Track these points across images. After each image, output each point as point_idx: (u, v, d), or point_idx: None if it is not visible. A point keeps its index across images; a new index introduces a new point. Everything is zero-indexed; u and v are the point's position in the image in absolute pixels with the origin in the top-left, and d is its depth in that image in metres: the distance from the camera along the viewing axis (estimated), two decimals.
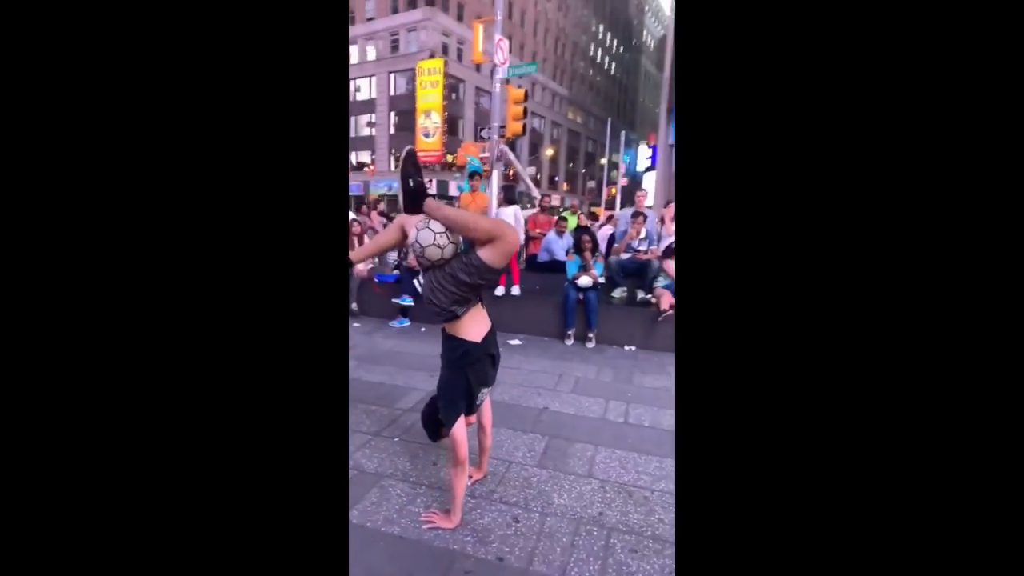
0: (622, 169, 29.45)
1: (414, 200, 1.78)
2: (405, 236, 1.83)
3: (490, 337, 1.87)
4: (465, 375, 1.81)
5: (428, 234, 1.71)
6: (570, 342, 4.77)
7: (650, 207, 8.28)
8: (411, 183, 1.78)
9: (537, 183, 33.74)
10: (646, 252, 5.14)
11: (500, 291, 5.13)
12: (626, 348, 4.69)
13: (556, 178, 40.03)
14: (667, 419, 3.05)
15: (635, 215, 5.25)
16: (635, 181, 30.75)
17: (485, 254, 1.65)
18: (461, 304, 1.74)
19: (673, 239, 4.97)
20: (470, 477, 2.18)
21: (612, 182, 34.42)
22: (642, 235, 5.18)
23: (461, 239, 1.79)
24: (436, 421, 1.93)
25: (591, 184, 45.08)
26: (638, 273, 5.07)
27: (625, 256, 5.20)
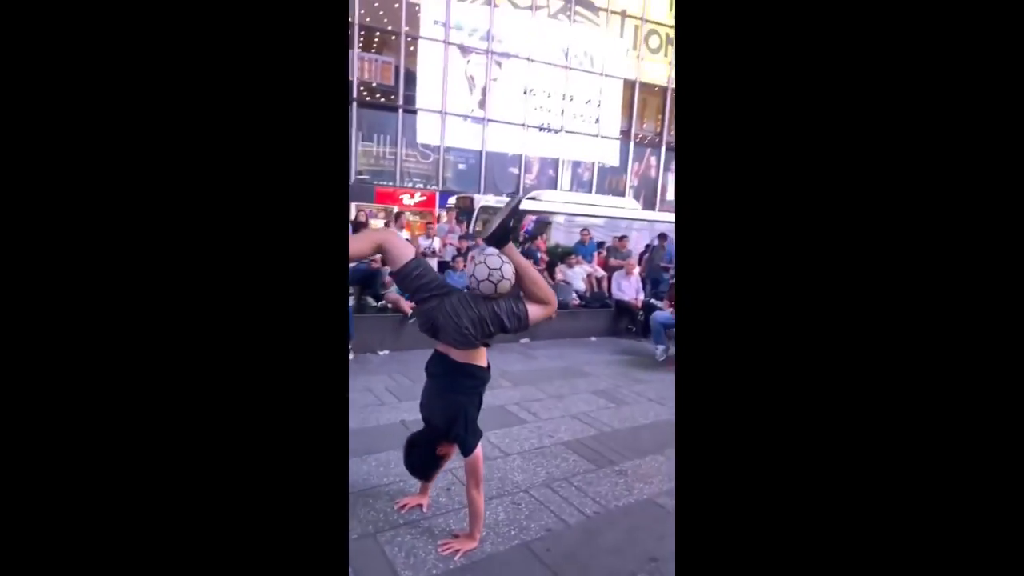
0: None
1: (502, 239, 1.94)
2: (376, 251, 1.93)
3: None
4: (480, 398, 2.00)
5: (484, 269, 1.85)
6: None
7: None
8: (511, 223, 1.97)
9: None
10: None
11: None
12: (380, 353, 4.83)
13: None
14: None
15: None
16: None
17: (534, 311, 1.89)
18: (490, 338, 1.91)
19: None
20: (419, 506, 2.21)
21: None
22: None
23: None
24: (432, 459, 2.04)
25: None
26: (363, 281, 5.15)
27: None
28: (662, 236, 7.72)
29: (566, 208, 9.88)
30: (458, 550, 1.91)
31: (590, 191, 15.99)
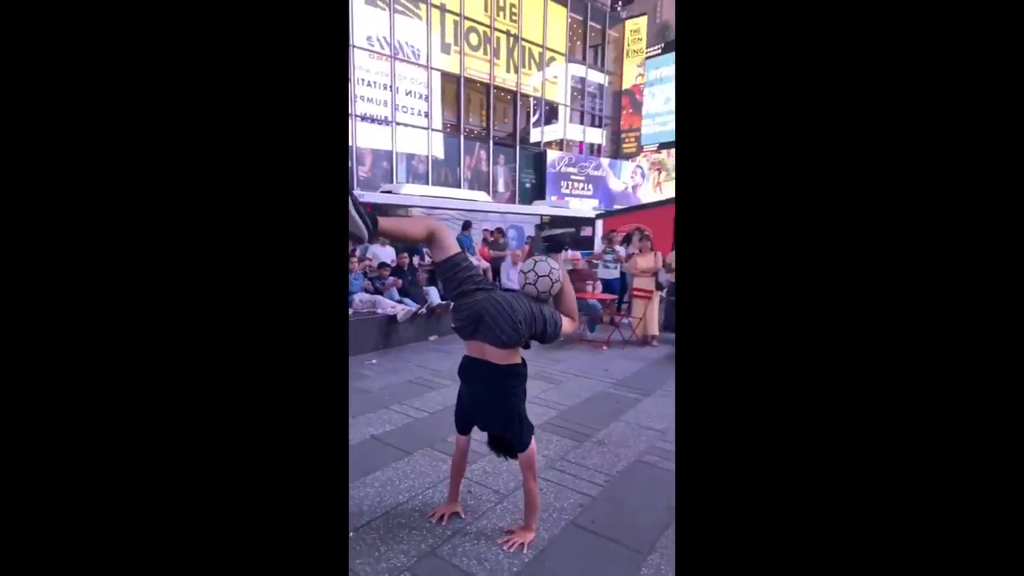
0: None
1: (558, 247, 2.26)
2: (429, 239, 1.86)
3: None
4: (526, 391, 2.01)
5: (545, 267, 1.92)
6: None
7: None
8: (567, 236, 2.11)
9: None
10: None
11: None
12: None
13: None
14: None
15: None
16: None
17: (566, 324, 2.01)
18: (532, 339, 1.94)
19: None
20: (456, 513, 2.16)
21: None
22: None
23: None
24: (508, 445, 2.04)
25: None
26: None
27: None
28: (538, 227, 8.23)
29: (423, 201, 9.78)
30: (522, 543, 1.94)
31: (427, 183, 15.94)
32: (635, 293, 5.33)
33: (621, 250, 6.16)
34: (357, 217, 1.48)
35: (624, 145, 21.87)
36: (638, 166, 21.06)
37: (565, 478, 2.51)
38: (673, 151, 19.17)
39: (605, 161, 20.40)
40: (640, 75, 20.83)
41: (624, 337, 5.33)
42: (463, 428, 2.08)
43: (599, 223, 9.34)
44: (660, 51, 20.59)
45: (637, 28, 21.25)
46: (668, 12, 22.23)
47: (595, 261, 6.52)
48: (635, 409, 3.52)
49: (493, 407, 1.95)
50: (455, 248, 1.85)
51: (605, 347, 5.14)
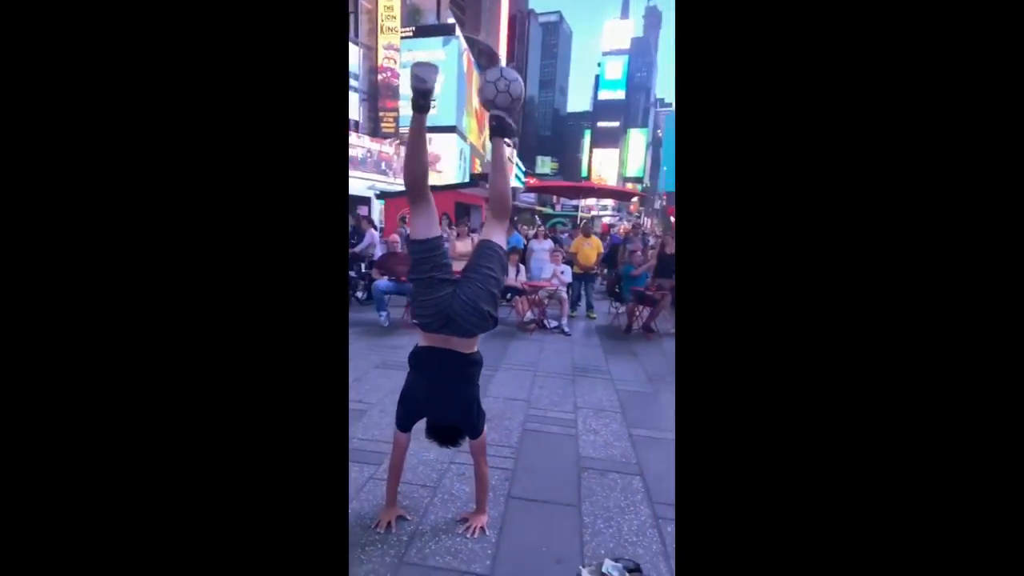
0: None
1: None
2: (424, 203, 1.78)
3: None
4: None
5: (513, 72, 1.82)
6: None
7: None
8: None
9: None
10: None
11: None
12: None
13: None
14: None
15: None
16: None
17: (501, 234, 1.96)
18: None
19: None
20: (401, 517, 2.03)
21: None
22: None
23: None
24: (456, 430, 1.97)
25: None
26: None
27: None
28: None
29: None
30: (481, 527, 1.96)
31: None
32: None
33: None
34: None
35: (383, 124, 21.43)
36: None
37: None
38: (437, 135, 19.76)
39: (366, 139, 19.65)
40: (388, 58, 20.45)
41: None
42: (407, 424, 1.94)
43: (377, 203, 9.08)
44: (412, 34, 20.67)
45: (391, 5, 20.85)
46: None
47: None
48: (494, 383, 3.74)
49: (453, 396, 1.89)
50: (437, 231, 1.72)
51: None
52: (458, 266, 5.70)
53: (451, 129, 20.50)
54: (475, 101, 21.08)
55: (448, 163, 20.09)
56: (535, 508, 2.15)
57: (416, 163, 1.73)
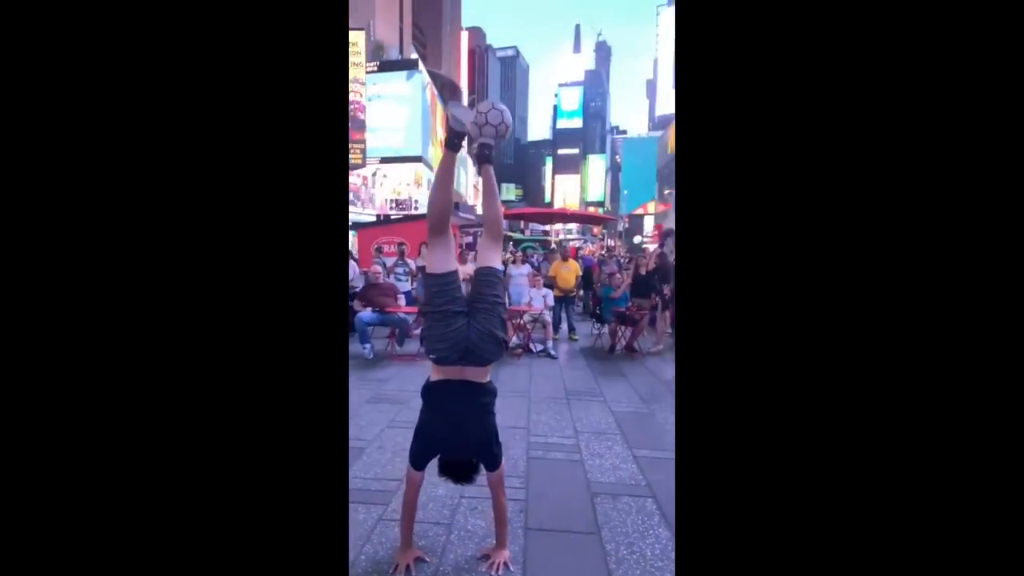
0: None
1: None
2: (443, 235, 1.79)
3: None
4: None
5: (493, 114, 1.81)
6: None
7: None
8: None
9: None
10: None
11: None
12: None
13: None
14: None
15: None
16: None
17: (496, 255, 1.95)
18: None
19: None
20: (419, 559, 1.92)
21: None
22: None
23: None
24: (472, 464, 1.87)
25: None
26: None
27: None
28: None
29: None
30: (504, 562, 1.89)
31: None
32: None
33: (412, 263, 6.15)
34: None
35: (351, 156, 21.35)
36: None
37: (487, 491, 2.49)
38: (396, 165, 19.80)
39: None
40: (354, 91, 20.58)
41: None
42: (422, 462, 1.87)
43: (351, 234, 8.98)
44: (376, 68, 20.90)
45: (356, 41, 21.06)
46: (381, 32, 22.81)
47: (388, 276, 6.31)
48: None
49: (473, 428, 1.83)
50: (453, 265, 1.70)
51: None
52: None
53: (417, 159, 20.63)
54: (439, 132, 21.34)
55: (417, 192, 20.13)
56: (555, 539, 2.09)
57: (444, 198, 1.75)
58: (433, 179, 1.77)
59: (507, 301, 5.95)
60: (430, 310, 1.74)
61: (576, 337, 6.70)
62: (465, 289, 1.84)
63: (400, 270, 5.88)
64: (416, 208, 19.01)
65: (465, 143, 1.88)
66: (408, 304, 5.94)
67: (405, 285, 5.89)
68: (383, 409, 3.60)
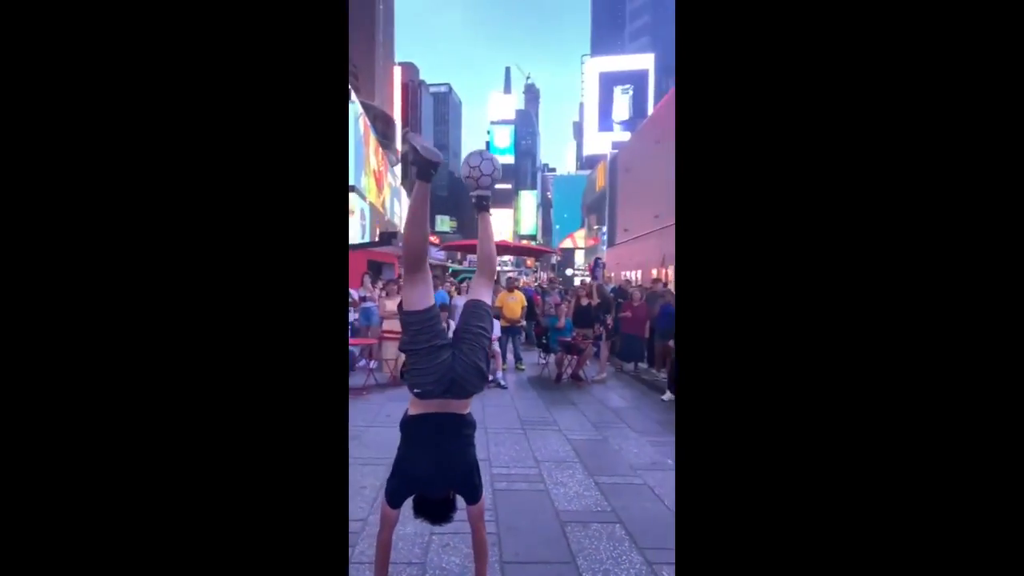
0: None
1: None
2: (419, 274, 1.77)
3: None
4: None
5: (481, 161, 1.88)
6: None
7: None
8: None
9: None
10: None
11: None
12: None
13: None
14: None
15: None
16: None
17: (488, 293, 1.99)
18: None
19: None
20: None
21: None
22: None
23: None
24: (450, 500, 1.81)
25: None
26: None
27: None
28: None
29: None
30: None
31: None
32: (385, 335, 5.28)
33: (354, 293, 5.95)
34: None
35: None
36: None
37: (457, 526, 2.41)
38: None
39: None
40: None
41: (379, 381, 5.18)
42: (399, 500, 1.79)
43: None
44: None
45: None
46: None
47: None
48: None
49: (455, 461, 1.78)
50: (431, 301, 1.69)
51: (365, 393, 4.87)
52: (388, 324, 5.42)
53: (351, 189, 20.19)
54: (372, 162, 21.10)
55: (351, 220, 19.60)
56: (532, 571, 2.06)
57: (419, 233, 1.69)
58: (406, 215, 1.74)
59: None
60: (415, 348, 1.70)
61: (523, 367, 6.73)
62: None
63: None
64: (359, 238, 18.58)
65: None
66: (352, 336, 5.71)
67: (349, 316, 5.67)
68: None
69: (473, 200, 1.85)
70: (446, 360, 1.67)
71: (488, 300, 1.88)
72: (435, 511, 1.82)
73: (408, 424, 1.75)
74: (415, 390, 1.70)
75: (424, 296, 1.70)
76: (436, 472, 1.76)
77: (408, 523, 2.18)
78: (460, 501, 1.81)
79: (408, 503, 1.78)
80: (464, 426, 1.77)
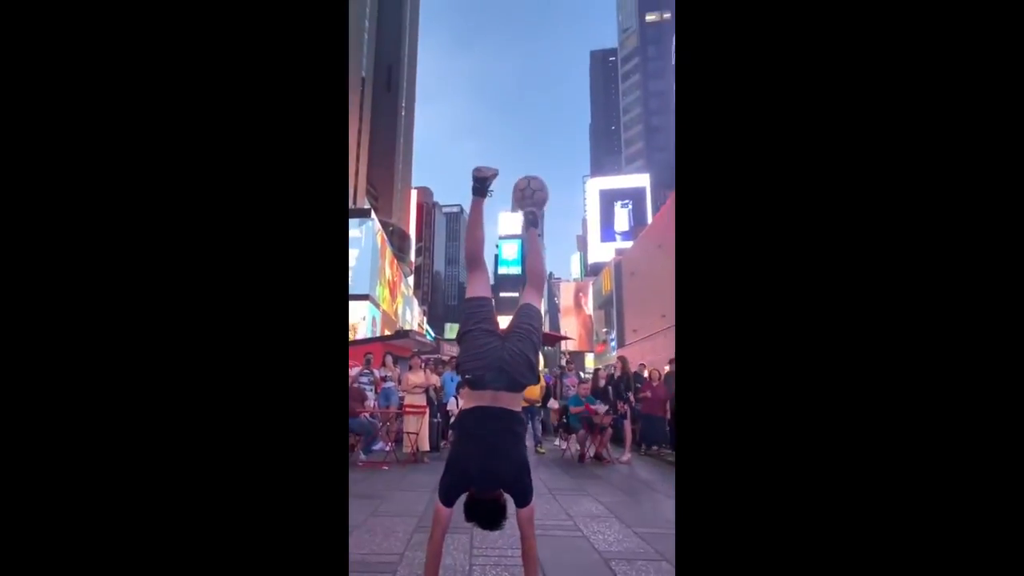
0: None
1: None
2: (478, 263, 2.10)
3: None
4: None
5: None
6: None
7: None
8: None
9: None
10: None
11: None
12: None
13: None
14: None
15: None
16: None
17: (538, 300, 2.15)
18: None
19: None
20: None
21: None
22: None
23: None
24: (500, 509, 1.78)
25: None
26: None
27: None
28: None
29: None
30: None
31: None
32: (407, 409, 5.26)
33: (376, 372, 6.03)
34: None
35: None
36: None
37: (498, 559, 2.30)
38: None
39: None
40: None
41: (399, 459, 5.06)
42: (453, 497, 1.78)
43: None
44: None
45: None
46: None
47: (352, 384, 6.08)
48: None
49: (508, 455, 1.79)
50: (488, 292, 1.92)
51: (386, 467, 4.74)
52: (412, 398, 5.46)
53: (365, 297, 20.88)
54: (388, 272, 22.07)
55: (363, 325, 20.02)
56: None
57: (476, 236, 2.05)
58: (467, 223, 2.08)
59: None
60: (467, 330, 1.85)
61: (543, 451, 6.52)
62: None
63: (364, 379, 5.72)
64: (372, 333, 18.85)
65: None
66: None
67: (370, 393, 5.69)
68: (361, 505, 3.30)
69: (525, 216, 2.13)
70: (495, 345, 1.79)
71: (537, 304, 2.05)
72: (486, 514, 1.81)
73: (461, 418, 1.83)
74: (465, 375, 1.81)
75: (481, 287, 1.93)
76: (489, 465, 1.78)
77: (447, 554, 2.13)
78: (510, 507, 1.80)
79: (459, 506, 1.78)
80: (515, 423, 1.83)
